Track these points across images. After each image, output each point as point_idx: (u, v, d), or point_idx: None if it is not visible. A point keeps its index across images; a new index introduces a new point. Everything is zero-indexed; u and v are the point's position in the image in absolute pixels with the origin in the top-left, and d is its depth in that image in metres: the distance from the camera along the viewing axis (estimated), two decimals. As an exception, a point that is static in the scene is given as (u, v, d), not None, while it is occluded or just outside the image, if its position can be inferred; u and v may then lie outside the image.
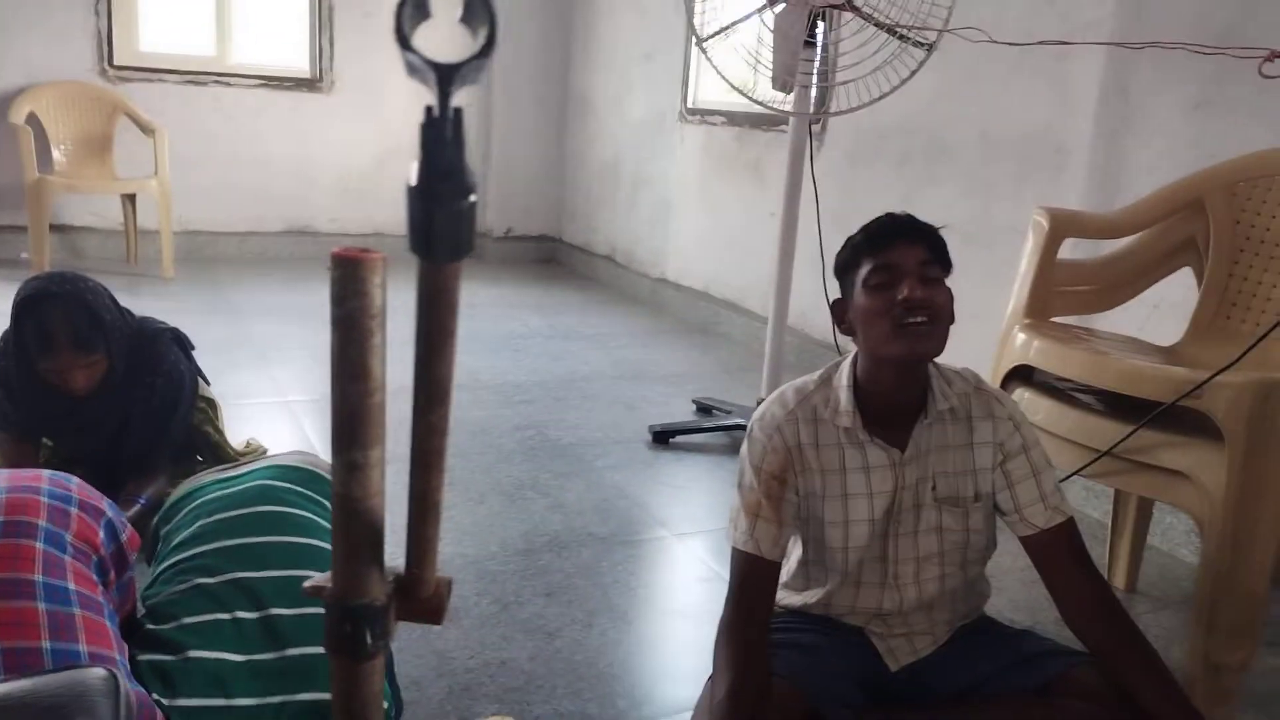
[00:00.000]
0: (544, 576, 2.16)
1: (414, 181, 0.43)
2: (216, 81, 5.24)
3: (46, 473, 1.36)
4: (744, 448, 1.50)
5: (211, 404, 2.32)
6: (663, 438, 3.08)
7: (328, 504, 1.52)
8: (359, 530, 0.64)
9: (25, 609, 1.20)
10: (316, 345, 3.98)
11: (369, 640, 0.65)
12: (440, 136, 0.42)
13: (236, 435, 2.52)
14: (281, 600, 1.38)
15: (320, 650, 1.26)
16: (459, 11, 0.40)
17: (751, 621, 1.41)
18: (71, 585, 1.25)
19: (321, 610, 1.37)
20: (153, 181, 4.73)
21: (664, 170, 5.05)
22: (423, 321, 0.52)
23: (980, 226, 3.10)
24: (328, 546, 1.44)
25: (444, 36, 0.51)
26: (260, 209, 5.46)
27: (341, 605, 0.60)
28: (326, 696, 1.32)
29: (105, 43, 4.96)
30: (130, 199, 4.93)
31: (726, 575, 1.48)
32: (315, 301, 4.67)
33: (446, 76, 0.40)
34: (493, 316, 4.64)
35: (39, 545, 1.26)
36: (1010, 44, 2.85)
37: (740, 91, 2.86)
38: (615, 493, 2.67)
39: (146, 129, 4.78)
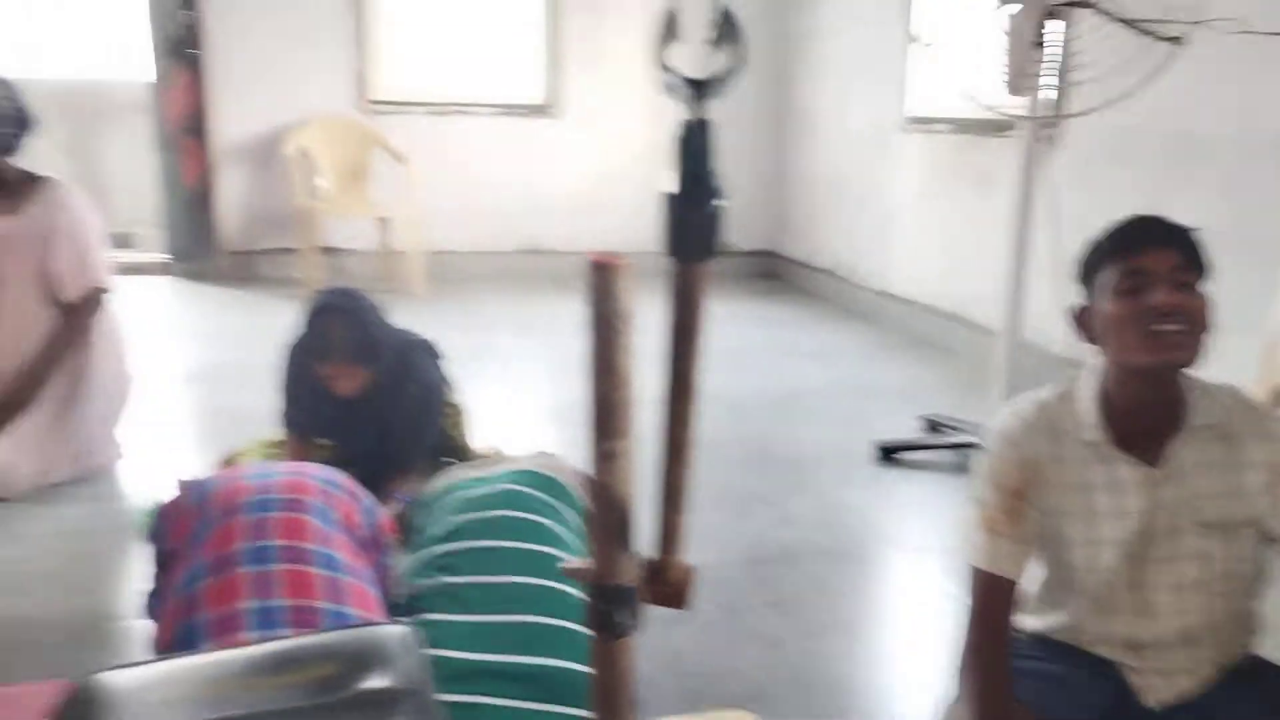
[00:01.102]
0: (772, 587, 2.18)
1: (669, 188, 0.48)
2: (459, 112, 5.62)
3: (312, 464, 1.54)
4: (980, 462, 1.46)
5: (459, 410, 2.50)
6: (889, 454, 3.03)
7: (568, 511, 1.61)
8: (612, 515, 0.68)
9: (305, 573, 1.37)
10: (551, 355, 4.19)
11: (623, 619, 0.69)
12: (695, 146, 0.46)
13: (480, 439, 2.69)
14: (520, 607, 1.45)
15: (560, 663, 1.34)
16: (708, 33, 0.44)
17: (995, 644, 1.37)
18: (339, 555, 1.41)
19: (562, 622, 1.44)
20: (404, 207, 5.14)
21: (886, 181, 4.95)
22: (673, 318, 0.56)
23: (1239, 231, 2.85)
24: (563, 555, 1.53)
25: (691, 54, 0.55)
26: (497, 229, 5.79)
27: (598, 586, 0.65)
28: (573, 712, 1.36)
29: (362, 80, 5.44)
30: (384, 222, 5.37)
31: (960, 595, 1.45)
32: (548, 315, 4.92)
33: (702, 91, 0.44)
34: (714, 330, 4.69)
35: (312, 519, 1.43)
36: (1269, 34, 2.62)
37: (970, 98, 2.77)
38: (842, 508, 2.65)
39: (398, 158, 5.20)
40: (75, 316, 2.69)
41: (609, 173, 5.86)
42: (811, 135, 5.70)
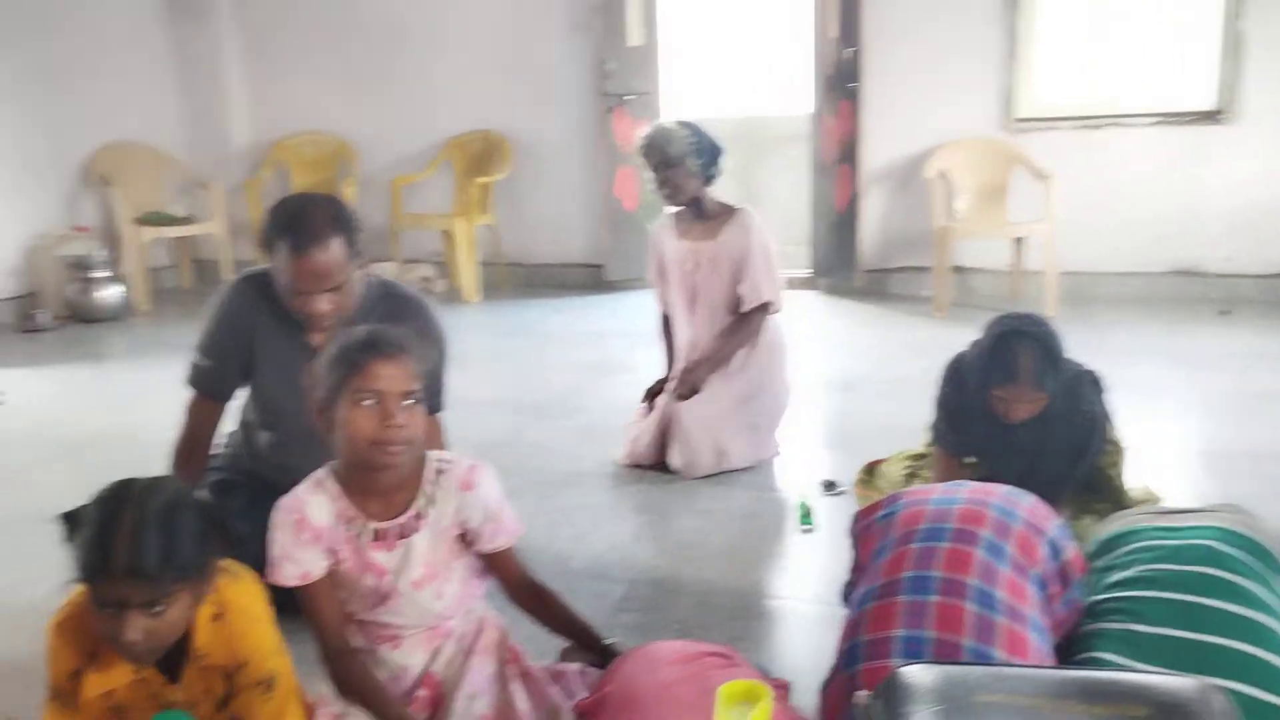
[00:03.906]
0: None
1: None
2: (1111, 124, 5.28)
3: (1002, 489, 1.54)
4: None
5: (1117, 448, 2.37)
6: None
7: (1272, 576, 1.44)
8: None
9: (958, 607, 1.38)
10: (1204, 393, 3.75)
11: None
12: None
13: (1131, 480, 2.52)
14: (1218, 671, 1.31)
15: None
16: None
17: None
18: (1000, 593, 1.39)
19: (1274, 698, 1.27)
20: (1041, 225, 4.98)
21: None
22: None
23: None
24: (1272, 624, 1.36)
25: None
26: (1143, 249, 5.34)
27: None
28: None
29: (1008, 99, 5.38)
30: (1018, 242, 5.26)
31: None
32: (1202, 345, 4.40)
33: None
34: None
35: (979, 553, 1.43)
36: None
37: None
38: None
39: (1040, 176, 5.05)
40: (746, 325, 3.10)
41: (1290, 185, 5.06)
42: None
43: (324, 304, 2.07)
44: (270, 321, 2.21)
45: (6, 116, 5.43)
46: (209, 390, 2.28)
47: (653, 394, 3.25)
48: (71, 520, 1.38)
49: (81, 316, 5.47)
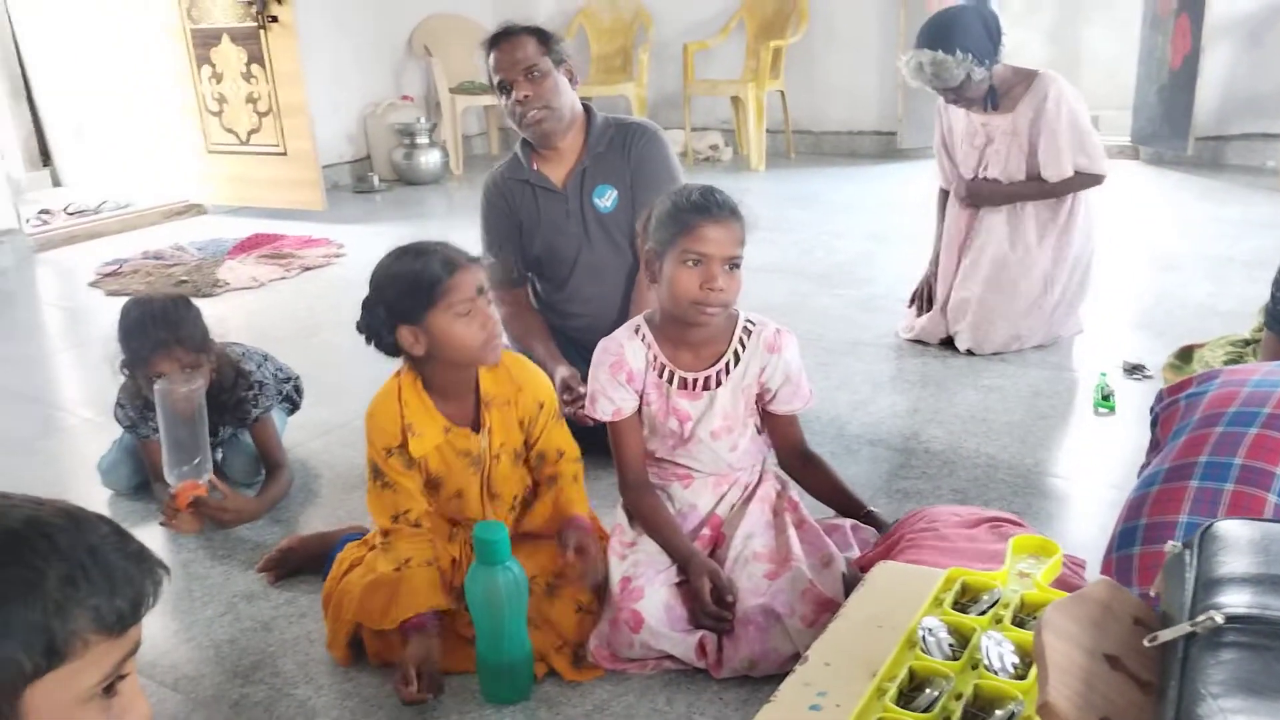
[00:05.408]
0: None
1: None
2: None
3: None
4: None
5: None
6: None
7: None
8: None
9: (1256, 498, 1.26)
10: None
11: None
12: None
13: None
14: None
15: None
16: None
17: None
18: None
19: None
20: None
21: None
22: None
23: None
24: None
25: None
26: None
27: None
28: None
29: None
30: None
31: None
32: None
33: None
34: None
35: None
36: None
37: None
38: None
39: None
40: (1049, 193, 2.88)
41: None
42: None
43: (525, 89, 2.29)
44: (523, 190, 2.46)
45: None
46: (504, 282, 2.51)
47: (918, 295, 3.10)
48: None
49: (406, 179, 6.01)
